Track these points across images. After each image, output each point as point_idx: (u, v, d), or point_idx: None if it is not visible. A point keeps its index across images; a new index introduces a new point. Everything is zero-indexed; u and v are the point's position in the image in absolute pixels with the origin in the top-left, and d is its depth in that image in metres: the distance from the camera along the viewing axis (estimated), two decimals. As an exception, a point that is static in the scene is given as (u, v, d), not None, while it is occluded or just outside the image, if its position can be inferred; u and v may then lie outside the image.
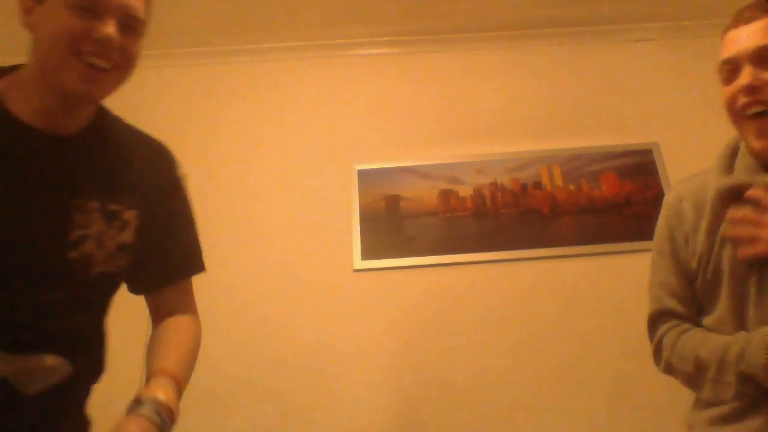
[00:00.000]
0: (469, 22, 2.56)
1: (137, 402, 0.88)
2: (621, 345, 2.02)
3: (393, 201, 2.29)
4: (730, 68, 1.08)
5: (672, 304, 1.14)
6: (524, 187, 2.32)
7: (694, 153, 2.35)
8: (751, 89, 1.03)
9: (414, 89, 2.53)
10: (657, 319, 1.18)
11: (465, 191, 2.31)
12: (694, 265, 1.09)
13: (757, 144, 1.02)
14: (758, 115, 1.01)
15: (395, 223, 2.25)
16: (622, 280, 2.12)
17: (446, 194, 2.31)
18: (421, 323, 2.10)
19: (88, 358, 0.98)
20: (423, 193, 2.31)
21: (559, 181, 2.32)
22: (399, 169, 2.36)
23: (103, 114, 1.02)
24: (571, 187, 2.31)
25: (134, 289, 1.11)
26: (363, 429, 1.95)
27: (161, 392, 0.90)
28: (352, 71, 2.58)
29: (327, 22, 2.52)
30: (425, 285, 2.15)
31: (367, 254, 2.19)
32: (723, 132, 2.51)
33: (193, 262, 1.16)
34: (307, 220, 2.28)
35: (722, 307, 1.04)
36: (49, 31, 0.87)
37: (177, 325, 1.09)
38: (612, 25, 2.61)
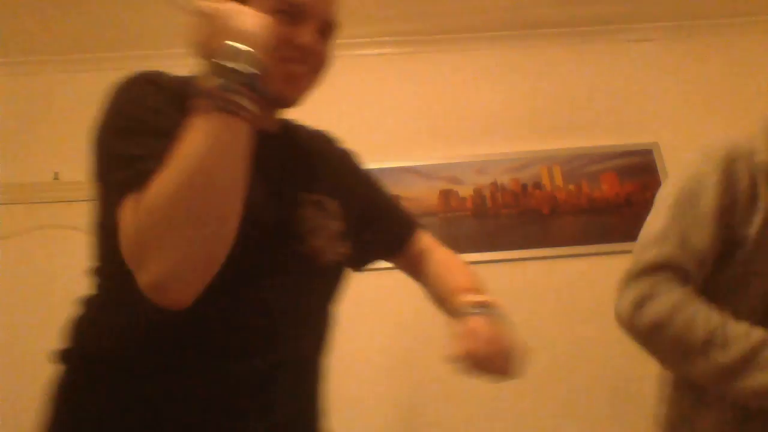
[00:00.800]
0: (469, 22, 2.56)
1: (474, 307, 0.93)
2: (621, 345, 2.02)
3: (393, 201, 2.29)
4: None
5: (685, 260, 0.94)
6: (524, 187, 2.32)
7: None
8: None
9: (414, 89, 2.53)
10: (655, 269, 0.95)
11: (465, 191, 2.31)
12: (743, 233, 0.95)
13: None
14: None
15: (395, 223, 2.25)
16: (622, 280, 2.12)
17: (446, 194, 2.31)
18: (421, 323, 2.10)
19: (325, 344, 1.03)
20: (423, 193, 2.31)
21: (559, 181, 2.32)
22: (399, 169, 2.36)
23: (292, 125, 1.06)
24: (571, 187, 2.31)
25: (371, 259, 1.18)
26: (363, 429, 1.95)
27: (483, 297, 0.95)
28: (352, 71, 2.58)
29: (327, 22, 2.52)
30: (425, 285, 2.15)
31: (367, 254, 2.19)
32: (723, 132, 2.51)
33: (412, 219, 1.19)
34: (307, 220, 2.28)
35: (755, 300, 0.93)
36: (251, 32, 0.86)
37: (443, 255, 1.15)
38: (612, 25, 2.61)
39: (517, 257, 2.18)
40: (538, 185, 2.32)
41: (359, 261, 1.15)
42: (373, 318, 2.11)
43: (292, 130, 1.03)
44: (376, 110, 2.49)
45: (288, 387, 0.88)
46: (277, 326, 0.86)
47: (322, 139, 1.11)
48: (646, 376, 1.97)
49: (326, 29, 0.92)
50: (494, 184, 2.32)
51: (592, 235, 2.21)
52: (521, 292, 2.13)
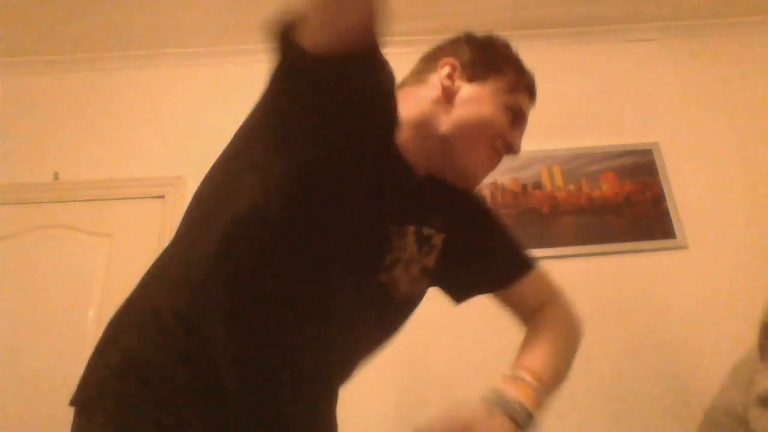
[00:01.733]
0: (469, 22, 2.55)
1: (493, 397, 0.86)
2: (621, 345, 2.02)
3: (393, 201, 2.29)
4: None
5: None
6: (524, 187, 2.32)
7: (694, 153, 2.36)
8: None
9: (414, 89, 2.53)
10: None
11: (465, 191, 2.31)
12: None
13: None
14: None
15: (395, 223, 2.25)
16: (622, 280, 2.12)
17: (446, 194, 2.31)
18: (421, 323, 2.10)
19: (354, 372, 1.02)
20: (423, 193, 2.31)
21: (559, 181, 2.32)
22: (399, 169, 2.35)
23: None
24: (571, 187, 2.31)
25: (474, 293, 1.14)
26: (363, 429, 1.95)
27: (516, 391, 0.88)
28: (352, 71, 2.58)
29: (327, 22, 2.52)
30: (425, 285, 2.15)
31: (367, 254, 2.19)
32: (723, 132, 2.52)
33: (526, 258, 1.10)
34: (307, 220, 2.28)
35: None
36: (483, 114, 0.91)
37: (550, 316, 1.04)
38: (612, 25, 2.61)
39: (517, 257, 2.18)
40: (538, 185, 2.32)
41: (461, 294, 1.16)
42: (373, 318, 2.11)
43: (436, 184, 1.02)
44: (376, 110, 2.49)
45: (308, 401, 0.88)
46: (325, 342, 0.85)
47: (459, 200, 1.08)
48: (646, 376, 1.98)
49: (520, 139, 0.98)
50: (494, 184, 2.32)
51: (592, 235, 2.21)
52: (521, 292, 2.13)
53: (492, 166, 0.94)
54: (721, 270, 2.14)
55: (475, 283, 1.12)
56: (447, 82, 0.93)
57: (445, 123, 0.90)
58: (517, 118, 0.94)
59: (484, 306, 2.17)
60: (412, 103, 0.92)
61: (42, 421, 1.96)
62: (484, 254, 1.06)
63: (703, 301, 2.08)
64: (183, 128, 2.48)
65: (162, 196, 2.32)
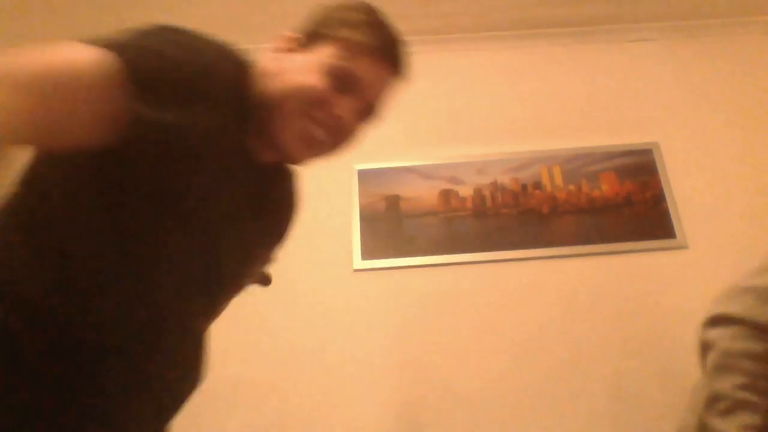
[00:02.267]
0: (469, 22, 2.56)
1: None
2: (621, 345, 2.02)
3: (393, 201, 2.29)
4: None
5: None
6: (524, 187, 2.32)
7: (694, 153, 2.36)
8: None
9: (414, 89, 2.52)
10: None
11: (465, 191, 2.31)
12: None
13: None
14: None
15: (395, 223, 2.25)
16: (622, 280, 2.12)
17: (446, 194, 2.31)
18: (421, 323, 2.10)
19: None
20: (423, 193, 2.31)
21: (559, 181, 2.32)
22: (399, 169, 2.36)
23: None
24: (571, 187, 2.31)
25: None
26: (363, 429, 1.95)
27: None
28: (352, 71, 2.58)
29: (327, 22, 2.52)
30: (425, 285, 2.15)
31: (367, 254, 2.19)
32: (723, 132, 2.52)
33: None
34: (307, 219, 2.27)
35: None
36: (292, 83, 0.83)
37: None
38: (612, 25, 2.61)
39: (517, 257, 2.18)
40: (538, 185, 2.32)
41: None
42: (373, 318, 2.11)
43: (283, 173, 0.99)
44: (376, 110, 2.49)
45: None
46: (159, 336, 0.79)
47: (292, 191, 1.06)
48: (646, 376, 1.97)
49: (366, 113, 0.89)
50: (494, 184, 2.32)
51: (592, 235, 2.21)
52: (521, 292, 2.13)
53: (317, 138, 0.85)
54: (721, 270, 2.14)
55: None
56: (270, 56, 0.87)
57: (263, 97, 0.84)
58: (346, 85, 0.84)
59: (484, 305, 2.18)
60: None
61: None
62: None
63: (703, 301, 2.07)
64: (183, 128, 2.48)
65: (162, 196, 2.32)
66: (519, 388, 1.99)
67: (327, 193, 2.32)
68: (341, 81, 0.83)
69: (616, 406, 1.95)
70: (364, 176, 2.34)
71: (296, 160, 0.90)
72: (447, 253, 2.19)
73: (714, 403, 0.98)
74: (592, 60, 2.59)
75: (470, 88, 2.53)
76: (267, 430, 1.94)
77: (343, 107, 0.84)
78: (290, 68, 0.84)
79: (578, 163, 2.35)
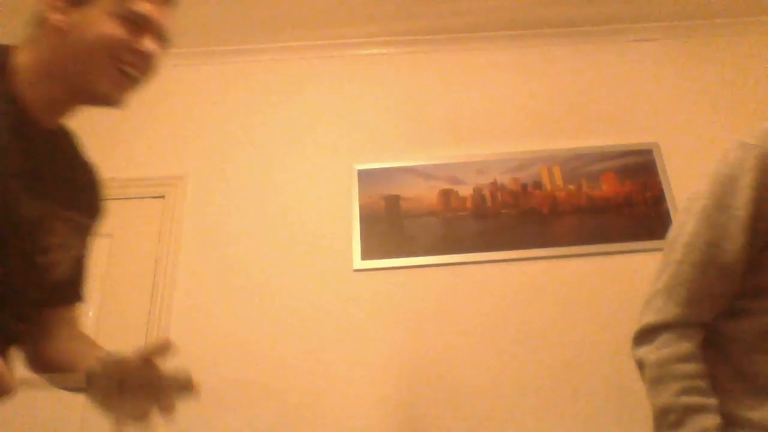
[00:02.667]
0: (469, 22, 2.56)
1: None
2: (620, 344, 2.01)
3: (393, 201, 2.29)
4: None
5: (704, 288, 0.96)
6: (524, 187, 2.32)
7: (694, 153, 2.36)
8: None
9: (414, 89, 2.53)
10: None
11: (465, 191, 2.31)
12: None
13: None
14: None
15: (395, 223, 2.25)
16: (622, 280, 2.12)
17: (446, 194, 2.31)
18: (421, 323, 2.10)
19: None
20: (423, 193, 2.31)
21: (559, 181, 2.32)
22: (399, 169, 2.36)
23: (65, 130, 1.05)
24: (571, 187, 2.31)
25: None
26: (363, 429, 1.95)
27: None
28: (352, 71, 2.58)
29: (327, 22, 2.52)
30: (425, 285, 2.15)
31: (367, 254, 2.19)
32: (723, 132, 2.52)
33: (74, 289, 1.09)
34: (307, 219, 2.28)
35: None
36: (93, 36, 0.90)
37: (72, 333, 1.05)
38: (612, 25, 2.61)
39: (517, 257, 2.18)
40: (538, 185, 2.32)
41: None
42: (373, 318, 2.11)
43: (64, 134, 1.02)
44: (376, 110, 2.49)
45: None
46: None
47: (77, 151, 1.06)
48: (646, 376, 1.97)
49: (161, 40, 0.97)
50: (494, 184, 2.32)
51: (592, 235, 2.21)
52: (521, 292, 2.13)
53: (132, 79, 0.93)
54: (721, 270, 2.14)
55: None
56: (54, 17, 0.91)
57: (64, 58, 0.91)
58: (138, 24, 0.92)
59: (484, 305, 2.18)
60: (33, 55, 0.92)
61: (38, 422, 1.96)
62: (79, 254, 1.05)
63: (703, 301, 2.08)
64: (183, 128, 2.48)
65: (162, 196, 2.32)
66: (518, 388, 1.99)
67: (327, 193, 2.32)
68: (132, 22, 0.91)
69: (616, 406, 1.95)
70: (364, 176, 2.34)
71: (115, 103, 0.95)
72: (447, 253, 2.19)
73: (662, 419, 0.91)
74: (592, 60, 2.59)
75: (470, 88, 2.52)
76: (266, 431, 1.94)
77: (147, 44, 0.93)
78: (82, 23, 0.90)
79: (578, 163, 2.35)
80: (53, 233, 0.93)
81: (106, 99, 0.93)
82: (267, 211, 2.31)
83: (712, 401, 0.88)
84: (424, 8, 2.47)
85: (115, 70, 0.91)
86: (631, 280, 2.12)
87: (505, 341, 2.06)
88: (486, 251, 2.19)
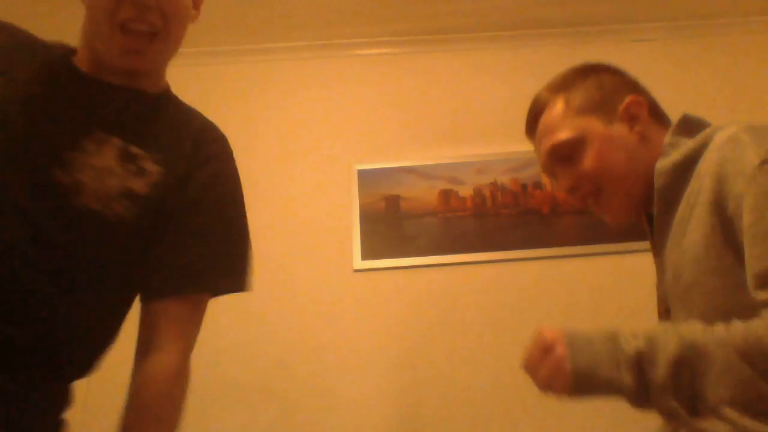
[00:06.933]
0: (469, 22, 2.56)
1: None
2: (621, 345, 2.02)
3: (393, 201, 2.29)
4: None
5: None
6: (524, 187, 2.32)
7: (694, 153, 2.36)
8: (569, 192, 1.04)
9: (414, 89, 2.53)
10: None
11: (465, 191, 2.31)
12: None
13: None
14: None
15: (395, 223, 2.25)
16: (622, 280, 2.12)
17: (446, 194, 2.31)
18: (421, 323, 2.10)
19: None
20: (423, 193, 2.31)
21: (559, 181, 2.32)
22: (399, 169, 2.36)
23: (168, 98, 1.00)
24: (571, 187, 2.31)
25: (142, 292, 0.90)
26: (362, 428, 1.95)
27: None
28: (352, 71, 2.58)
29: (327, 22, 2.52)
30: (425, 285, 2.15)
31: (367, 254, 2.19)
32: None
33: (223, 274, 0.93)
34: (307, 220, 2.28)
35: None
36: (89, 4, 0.88)
37: (161, 391, 0.86)
38: (612, 25, 2.61)
39: (517, 257, 2.18)
40: (538, 185, 2.32)
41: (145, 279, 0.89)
42: (373, 318, 2.11)
43: (162, 103, 0.97)
44: (376, 110, 2.49)
45: None
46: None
47: (202, 129, 1.00)
48: (646, 376, 1.97)
49: None
50: (494, 184, 2.32)
51: (592, 235, 2.21)
52: (521, 292, 2.13)
53: (141, 35, 0.87)
54: (721, 270, 2.14)
55: (158, 268, 0.88)
56: None
57: (86, 24, 0.91)
58: None
59: (484, 306, 2.18)
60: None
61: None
62: (179, 239, 0.88)
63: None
64: (183, 128, 2.48)
65: (162, 196, 2.32)
66: (519, 388, 1.98)
67: (327, 193, 2.32)
68: None
69: (616, 406, 1.94)
70: (364, 176, 2.34)
71: (133, 71, 0.91)
72: (447, 253, 2.19)
73: None
74: (592, 60, 2.58)
75: (470, 88, 2.52)
76: (267, 430, 1.94)
77: None
78: None
79: (578, 163, 2.35)
80: (78, 149, 0.82)
81: (123, 69, 0.89)
82: (267, 211, 2.30)
83: None
84: (424, 8, 2.47)
85: (122, 37, 0.85)
86: (631, 280, 2.12)
87: (505, 341, 2.06)
88: (486, 251, 2.19)
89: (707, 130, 0.88)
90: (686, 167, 0.87)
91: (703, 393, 0.71)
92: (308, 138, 2.44)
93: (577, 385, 0.76)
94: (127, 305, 0.91)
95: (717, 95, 2.48)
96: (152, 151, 0.87)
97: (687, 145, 0.89)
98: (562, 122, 1.01)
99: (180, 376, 0.89)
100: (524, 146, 2.43)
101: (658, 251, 0.98)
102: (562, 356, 0.77)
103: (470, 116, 2.47)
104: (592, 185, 0.98)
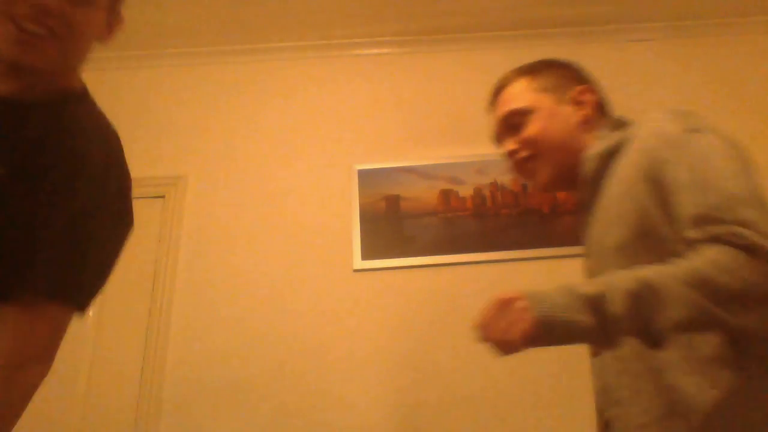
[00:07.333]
0: (469, 22, 2.56)
1: None
2: (621, 345, 2.02)
3: (393, 201, 2.29)
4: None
5: None
6: (524, 187, 2.32)
7: (694, 153, 2.36)
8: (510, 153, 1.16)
9: (414, 89, 2.53)
10: None
11: (465, 191, 2.31)
12: None
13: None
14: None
15: (395, 223, 2.25)
16: (622, 280, 2.12)
17: (446, 194, 2.31)
18: (421, 323, 2.10)
19: None
20: (423, 193, 2.31)
21: (559, 181, 2.32)
22: (399, 169, 2.36)
23: (65, 101, 0.92)
24: (571, 187, 2.31)
25: None
26: (362, 429, 1.95)
27: None
28: (352, 71, 2.58)
29: (327, 22, 2.52)
30: (425, 285, 2.15)
31: (367, 254, 2.19)
32: (722, 131, 2.50)
33: (45, 277, 0.81)
34: (307, 220, 2.28)
35: None
36: None
37: None
38: (612, 25, 2.61)
39: (517, 257, 2.18)
40: (538, 185, 2.32)
41: None
42: (373, 318, 2.11)
43: (58, 109, 0.89)
44: (376, 110, 2.49)
45: None
46: None
47: (69, 131, 0.90)
48: (646, 376, 1.97)
49: None
50: (494, 184, 2.32)
51: (592, 235, 2.21)
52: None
53: (30, 32, 0.81)
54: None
55: None
56: None
57: None
58: None
59: (484, 306, 2.16)
60: None
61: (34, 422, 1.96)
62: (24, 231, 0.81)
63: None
64: (183, 128, 2.48)
65: (162, 196, 2.32)
66: (519, 388, 1.99)
67: (327, 193, 2.32)
68: None
69: (616, 406, 1.94)
70: (364, 176, 2.34)
71: (26, 63, 0.84)
72: (447, 253, 2.19)
73: None
74: (592, 60, 2.57)
75: (470, 88, 2.52)
76: (267, 430, 1.94)
77: None
78: None
79: (578, 163, 2.35)
80: None
81: (12, 60, 0.84)
82: (267, 211, 2.30)
83: None
84: (423, 8, 2.47)
85: (12, 27, 0.80)
86: (631, 280, 2.12)
87: (505, 341, 2.05)
88: (486, 251, 2.19)
89: (633, 126, 1.02)
90: (610, 155, 1.00)
91: (658, 320, 0.78)
92: (308, 138, 2.44)
93: (539, 332, 0.80)
94: None
95: (717, 95, 2.48)
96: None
97: (612, 136, 1.03)
98: (519, 95, 1.17)
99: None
100: (524, 146, 2.44)
101: (584, 232, 1.07)
102: (523, 307, 0.81)
103: (470, 116, 2.46)
104: (530, 150, 1.11)
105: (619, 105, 2.57)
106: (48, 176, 0.84)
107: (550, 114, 1.13)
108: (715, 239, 0.79)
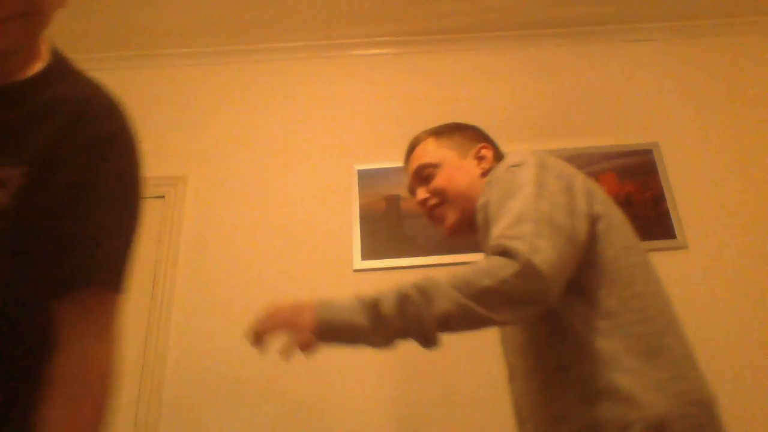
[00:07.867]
0: (469, 22, 2.56)
1: None
2: (621, 345, 2.02)
3: (393, 201, 2.29)
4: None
5: None
6: (524, 187, 2.32)
7: (694, 153, 2.36)
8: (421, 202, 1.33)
9: (414, 89, 2.53)
10: None
11: (465, 191, 2.31)
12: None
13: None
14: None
15: (395, 223, 2.25)
16: (622, 280, 2.12)
17: (446, 194, 2.31)
18: (421, 323, 2.10)
19: None
20: (423, 193, 2.31)
21: (559, 181, 2.32)
22: (399, 169, 2.35)
23: (41, 79, 0.86)
24: (571, 187, 2.31)
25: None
26: (362, 429, 1.95)
27: None
28: (352, 71, 2.58)
29: (327, 22, 2.52)
30: (425, 285, 2.15)
31: (367, 254, 2.19)
32: (722, 132, 2.52)
33: (98, 268, 0.81)
34: (307, 220, 2.28)
35: None
36: None
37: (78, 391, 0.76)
38: (612, 25, 2.61)
39: (517, 257, 2.18)
40: (538, 185, 2.32)
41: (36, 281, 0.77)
42: (373, 318, 2.11)
43: (43, 87, 0.84)
44: (376, 110, 2.49)
45: None
46: None
47: (75, 110, 0.84)
48: (646, 376, 1.97)
49: None
50: (494, 184, 2.32)
51: (592, 235, 2.21)
52: (521, 292, 2.13)
53: None
54: (721, 270, 2.14)
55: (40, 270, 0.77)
56: None
57: None
58: None
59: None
60: None
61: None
62: (61, 230, 0.77)
63: (703, 301, 2.08)
64: (183, 128, 2.48)
65: (162, 196, 2.32)
66: (519, 388, 1.99)
67: (327, 193, 2.32)
68: None
69: (616, 406, 1.94)
70: (364, 176, 2.34)
71: None
72: (447, 253, 2.19)
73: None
74: (592, 60, 2.59)
75: (470, 88, 2.52)
76: (267, 430, 1.94)
77: None
78: None
79: (578, 163, 2.34)
80: None
81: None
82: (267, 211, 2.31)
83: None
84: (423, 8, 2.47)
85: None
86: (631, 280, 2.12)
87: (505, 341, 2.06)
88: (486, 251, 2.19)
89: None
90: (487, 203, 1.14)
91: (425, 319, 0.92)
92: (308, 138, 2.44)
93: (321, 329, 0.96)
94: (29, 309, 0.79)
95: (717, 95, 2.48)
96: (9, 153, 0.77)
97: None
98: (429, 152, 1.36)
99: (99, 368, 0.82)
100: (524, 145, 2.44)
101: None
102: (309, 308, 0.99)
103: (470, 116, 2.46)
104: (438, 198, 1.28)
105: (619, 105, 2.60)
106: (76, 166, 0.79)
107: (456, 167, 1.31)
108: (494, 249, 0.96)
